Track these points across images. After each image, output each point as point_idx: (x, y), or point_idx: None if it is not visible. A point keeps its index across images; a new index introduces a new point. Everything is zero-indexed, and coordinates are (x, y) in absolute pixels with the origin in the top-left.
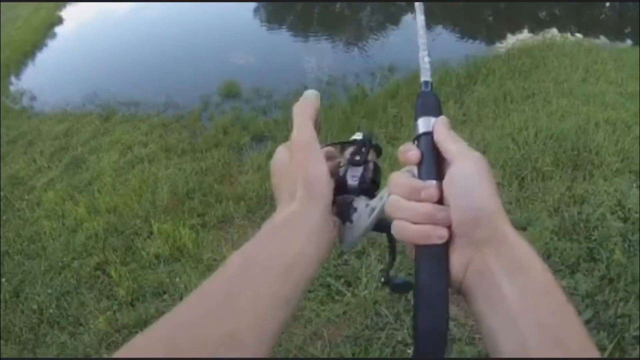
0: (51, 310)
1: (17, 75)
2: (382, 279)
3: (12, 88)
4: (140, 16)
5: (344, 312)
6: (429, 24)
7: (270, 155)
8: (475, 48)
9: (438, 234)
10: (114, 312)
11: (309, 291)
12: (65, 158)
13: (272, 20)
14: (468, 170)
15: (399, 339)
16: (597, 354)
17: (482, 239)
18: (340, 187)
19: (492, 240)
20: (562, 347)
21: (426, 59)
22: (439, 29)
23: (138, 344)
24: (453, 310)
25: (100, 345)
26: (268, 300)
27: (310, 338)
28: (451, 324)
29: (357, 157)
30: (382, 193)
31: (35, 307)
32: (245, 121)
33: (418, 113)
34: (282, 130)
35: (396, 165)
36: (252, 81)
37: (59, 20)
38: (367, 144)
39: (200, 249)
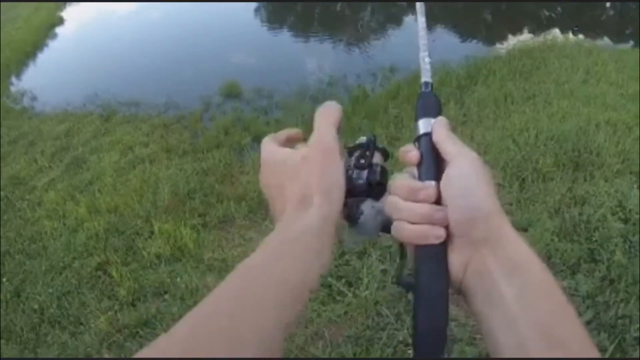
0: (52, 310)
1: (18, 75)
2: (394, 279)
3: (12, 88)
4: (141, 16)
5: (345, 312)
6: (430, 24)
7: None
8: (475, 49)
9: (435, 234)
10: (115, 312)
11: None
12: (66, 158)
13: (273, 20)
14: (465, 171)
15: (400, 339)
16: (597, 355)
17: (479, 239)
18: (347, 191)
19: (489, 240)
20: (561, 348)
21: (427, 60)
22: (439, 29)
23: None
24: (454, 310)
25: (101, 345)
26: (273, 326)
27: (312, 338)
28: (452, 324)
29: (362, 161)
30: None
31: (36, 306)
32: (246, 122)
33: (418, 114)
34: None
35: (396, 166)
36: (253, 82)
37: (60, 21)
38: (371, 146)
39: (202, 249)
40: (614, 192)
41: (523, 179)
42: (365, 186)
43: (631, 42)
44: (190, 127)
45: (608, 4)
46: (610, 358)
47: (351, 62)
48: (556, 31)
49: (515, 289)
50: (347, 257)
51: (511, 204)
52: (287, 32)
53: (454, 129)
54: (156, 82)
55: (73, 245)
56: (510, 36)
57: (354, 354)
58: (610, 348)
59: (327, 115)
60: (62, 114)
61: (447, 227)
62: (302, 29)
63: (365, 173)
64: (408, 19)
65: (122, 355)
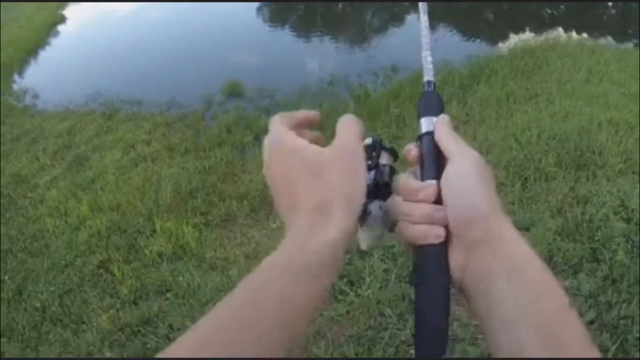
0: (54, 308)
1: (20, 73)
2: (409, 279)
3: (15, 86)
4: (143, 15)
5: (347, 312)
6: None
7: None
8: (478, 48)
9: (435, 234)
10: (117, 310)
11: None
12: (68, 156)
13: (275, 19)
14: (464, 169)
15: (402, 339)
16: (598, 355)
17: (478, 238)
18: None
19: (489, 240)
20: (561, 348)
21: (429, 59)
22: (442, 29)
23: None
24: (456, 310)
25: (103, 344)
26: (276, 346)
27: (314, 337)
28: (454, 324)
29: (369, 162)
30: None
31: (38, 305)
32: (248, 120)
33: (421, 113)
34: None
35: (403, 165)
36: (255, 81)
37: (62, 19)
38: (377, 147)
39: (203, 248)
40: (617, 191)
41: (525, 179)
42: (372, 187)
43: (633, 42)
44: (192, 125)
45: (610, 4)
46: (612, 358)
47: (353, 61)
48: (558, 30)
49: (514, 289)
50: (349, 256)
51: (513, 204)
52: (289, 31)
53: (456, 128)
54: (158, 80)
55: (75, 244)
56: (512, 35)
57: (356, 354)
58: (613, 348)
59: (350, 125)
60: (65, 112)
61: (447, 227)
62: (304, 29)
63: (372, 174)
64: (410, 18)
65: (124, 354)
